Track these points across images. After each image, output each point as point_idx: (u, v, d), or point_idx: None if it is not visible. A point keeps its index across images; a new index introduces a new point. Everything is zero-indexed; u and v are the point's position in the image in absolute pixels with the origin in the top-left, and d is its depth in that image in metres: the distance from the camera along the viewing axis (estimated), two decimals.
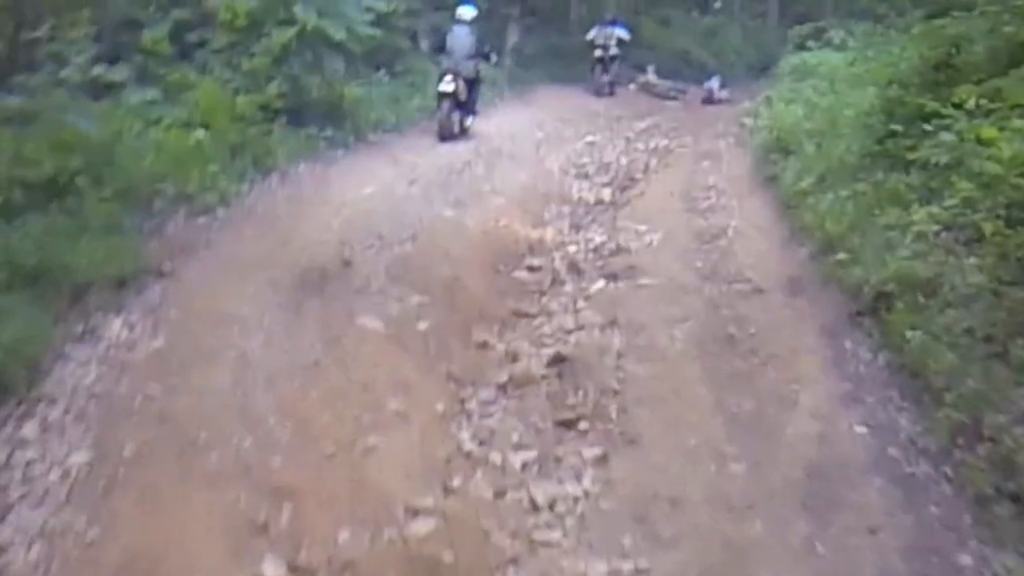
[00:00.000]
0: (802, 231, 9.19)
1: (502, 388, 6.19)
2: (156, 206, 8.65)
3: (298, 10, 12.67)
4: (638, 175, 13.36)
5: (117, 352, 6.08)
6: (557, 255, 9.26)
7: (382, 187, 10.90)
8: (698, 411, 5.86)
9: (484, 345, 6.88)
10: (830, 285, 7.70)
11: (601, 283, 8.39)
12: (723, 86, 23.34)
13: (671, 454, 5.34)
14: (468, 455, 5.30)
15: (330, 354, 6.25)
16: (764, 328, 7.10)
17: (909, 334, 6.09)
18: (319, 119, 12.66)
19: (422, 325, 6.94)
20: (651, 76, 24.37)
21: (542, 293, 8.16)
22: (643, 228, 10.13)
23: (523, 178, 12.30)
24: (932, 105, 7.80)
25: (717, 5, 34.99)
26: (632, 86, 23.69)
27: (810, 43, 16.80)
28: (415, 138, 14.32)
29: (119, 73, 11.43)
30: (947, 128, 7.71)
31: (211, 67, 12.30)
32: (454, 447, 5.37)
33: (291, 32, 12.47)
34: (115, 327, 6.39)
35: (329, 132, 12.61)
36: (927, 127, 8.15)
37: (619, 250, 9.38)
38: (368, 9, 13.95)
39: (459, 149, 13.64)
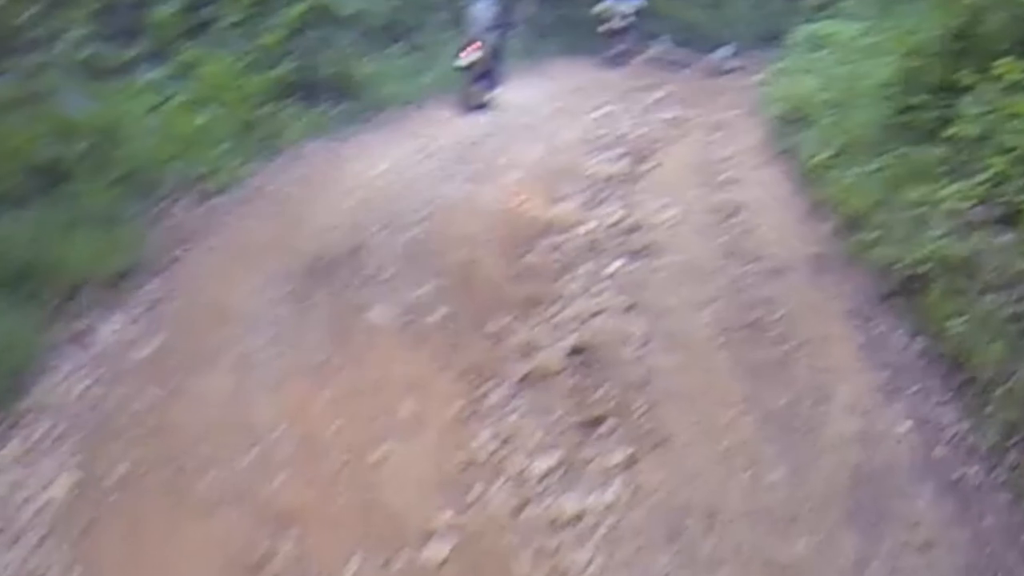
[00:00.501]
0: (823, 205, 8.58)
1: (521, 383, 5.65)
2: (161, 191, 8.12)
3: None
4: (654, 146, 12.65)
5: (111, 356, 5.55)
6: (575, 232, 8.68)
7: (397, 163, 10.33)
8: (730, 407, 5.29)
9: (501, 334, 6.33)
10: (857, 264, 7.09)
11: (620, 262, 7.82)
12: (734, 55, 22.57)
13: (704, 458, 4.79)
14: (485, 463, 4.76)
15: (340, 351, 5.72)
16: (792, 311, 6.50)
17: (949, 321, 5.53)
18: (333, 95, 12.07)
19: (437, 314, 6.41)
20: (664, 46, 23.58)
21: (560, 275, 7.60)
22: (661, 203, 9.52)
23: (540, 151, 11.67)
24: (965, 77, 7.24)
25: None
26: (644, 57, 22.90)
27: (822, 13, 16.15)
28: (432, 111, 13.65)
29: (128, 51, 10.89)
30: (977, 100, 7.18)
31: (223, 44, 11.60)
32: (471, 454, 4.83)
33: (303, 6, 11.87)
34: (110, 327, 5.87)
35: (343, 108, 12.01)
36: (951, 99, 7.66)
37: (637, 226, 8.78)
38: None
39: (477, 121, 13.03)
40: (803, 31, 15.63)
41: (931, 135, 7.76)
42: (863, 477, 4.58)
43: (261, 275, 6.71)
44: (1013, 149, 6.15)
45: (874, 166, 7.96)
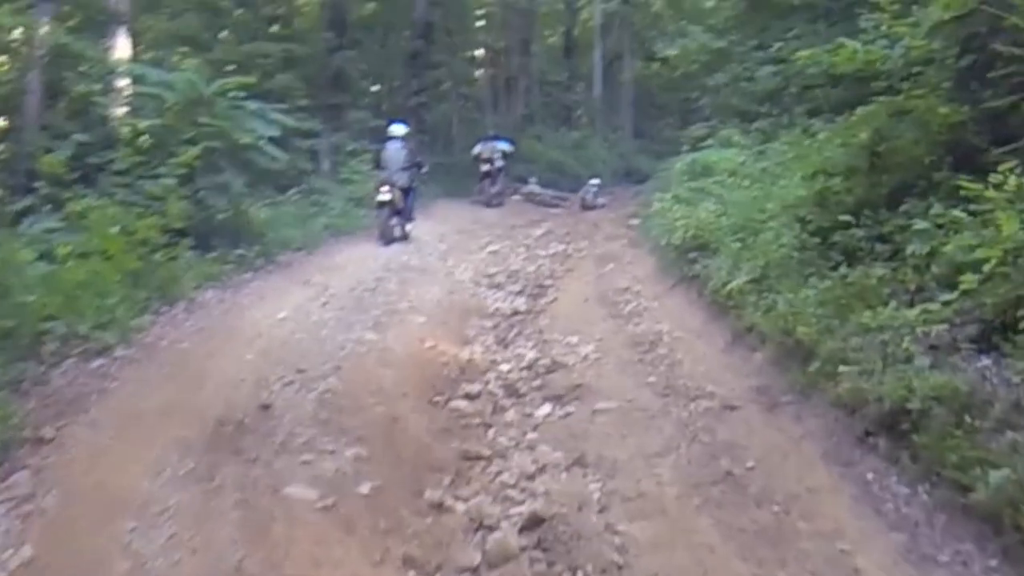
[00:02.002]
0: (748, 334, 7.40)
1: (475, 573, 4.25)
2: (43, 351, 6.50)
3: (203, 128, 10.72)
4: (547, 281, 11.62)
5: None
6: (491, 376, 7.42)
7: (296, 311, 8.87)
8: None
9: (441, 507, 4.92)
10: (812, 398, 5.84)
11: (547, 408, 6.57)
12: (599, 193, 21.84)
13: None
14: None
15: (256, 550, 4.16)
16: (762, 459, 5.22)
17: (973, 468, 4.25)
18: (226, 241, 10.61)
19: (363, 488, 4.97)
20: (534, 186, 22.79)
21: (487, 425, 6.28)
22: (573, 339, 8.34)
23: (437, 292, 10.40)
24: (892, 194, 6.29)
25: (579, 114, 33.89)
26: (517, 196, 22.04)
27: (684, 146, 15.46)
28: (322, 258, 12.22)
29: (20, 202, 9.35)
30: (918, 215, 6.31)
31: (112, 191, 9.97)
32: None
33: (196, 151, 10.42)
34: None
35: (237, 254, 10.52)
36: (876, 217, 6.84)
37: (555, 366, 7.55)
38: (272, 122, 12.01)
39: (370, 266, 11.65)
40: (682, 161, 14.76)
41: (861, 255, 6.79)
42: None
43: (156, 450, 5.13)
44: (983, 263, 5.09)
45: (808, 291, 6.81)
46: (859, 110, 7.64)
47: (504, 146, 21.03)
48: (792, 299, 6.85)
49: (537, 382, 7.24)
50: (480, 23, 30.21)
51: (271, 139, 12.05)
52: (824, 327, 6.21)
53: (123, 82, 11.85)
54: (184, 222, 9.63)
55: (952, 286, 5.46)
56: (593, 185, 21.98)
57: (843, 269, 6.75)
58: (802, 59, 8.88)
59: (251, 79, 12.79)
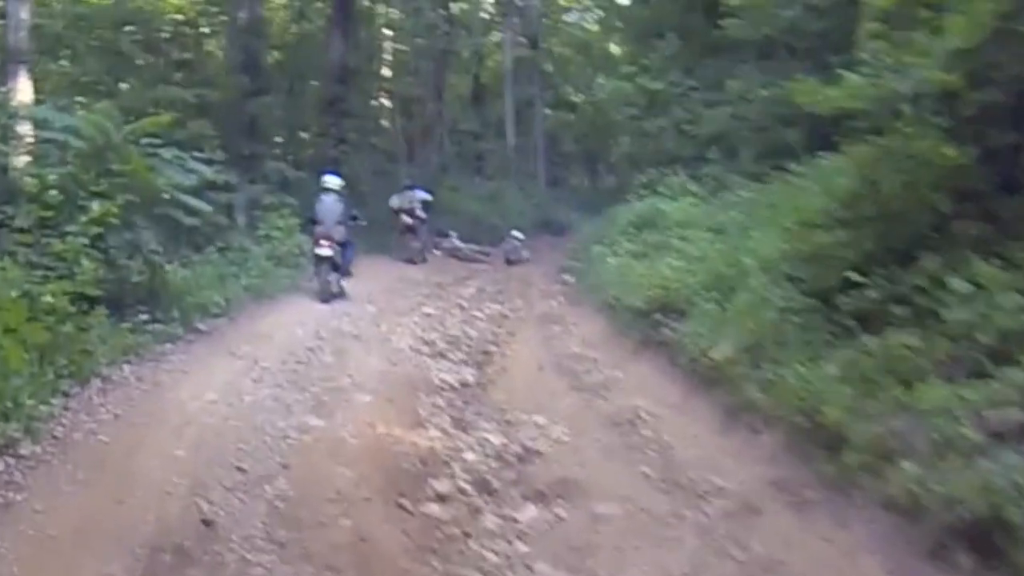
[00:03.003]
0: (746, 412, 6.55)
1: None
2: None
3: (115, 178, 9.60)
4: (491, 347, 10.78)
5: None
6: (457, 467, 6.48)
7: (226, 390, 7.80)
8: None
9: None
10: (852, 496, 4.99)
11: (532, 510, 5.68)
12: (522, 246, 21.13)
13: None
14: None
15: None
16: None
17: None
18: (142, 307, 9.42)
19: None
20: (455, 241, 21.92)
21: (466, 535, 5.34)
22: (539, 419, 7.49)
23: (377, 363, 9.43)
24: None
25: (491, 164, 33.21)
26: (438, 252, 21.14)
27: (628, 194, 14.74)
28: (247, 324, 11.09)
29: None
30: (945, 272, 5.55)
31: (15, 250, 8.70)
32: None
33: (110, 205, 9.23)
34: None
35: (155, 322, 9.32)
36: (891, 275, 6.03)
37: (528, 453, 6.71)
38: (191, 171, 10.92)
39: (300, 334, 10.59)
40: (626, 211, 13.97)
41: (875, 320, 5.99)
42: None
43: None
44: None
45: (824, 364, 5.99)
46: (845, 151, 6.98)
47: (423, 195, 20.10)
48: (804, 373, 6.03)
49: (511, 474, 6.36)
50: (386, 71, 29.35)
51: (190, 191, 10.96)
52: (852, 407, 5.40)
53: (24, 127, 10.62)
54: (96, 286, 8.47)
55: (1007, 359, 4.76)
56: (515, 238, 21.29)
57: (861, 337, 5.94)
58: (780, 95, 8.14)
59: (168, 117, 11.70)
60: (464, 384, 9.02)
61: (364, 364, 9.30)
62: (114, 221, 9.26)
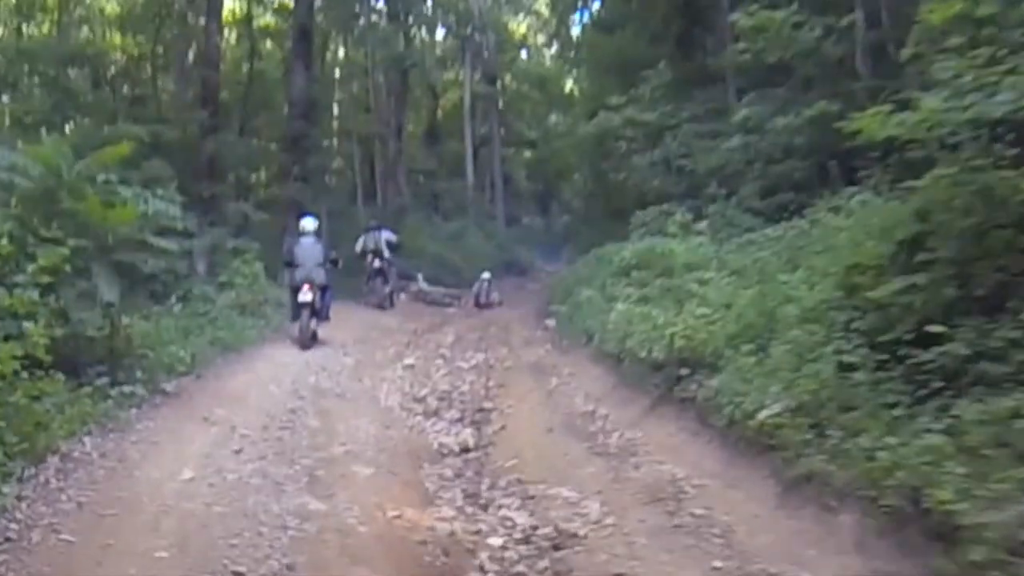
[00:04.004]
0: (808, 485, 5.62)
1: None
2: None
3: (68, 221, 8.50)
4: (486, 403, 9.91)
5: None
6: (484, 558, 5.50)
7: (204, 465, 6.71)
8: None
9: None
10: None
11: None
12: (492, 288, 20.22)
13: None
14: None
15: None
16: None
17: None
18: (101, 367, 8.27)
19: None
20: (422, 283, 20.94)
21: None
22: (567, 492, 6.55)
23: (368, 426, 8.43)
24: None
25: (449, 204, 32.32)
26: (404, 295, 20.10)
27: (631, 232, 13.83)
28: (216, 382, 9.92)
29: None
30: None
31: None
32: None
33: (58, 255, 8.06)
34: None
35: (117, 384, 8.14)
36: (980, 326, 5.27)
37: (562, 538, 5.71)
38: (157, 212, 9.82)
39: (277, 392, 9.53)
40: (615, 253, 13.01)
41: (962, 379, 5.21)
42: None
43: None
44: None
45: (916, 433, 5.08)
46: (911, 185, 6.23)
47: (389, 235, 19.08)
48: (891, 443, 5.13)
49: (545, 565, 5.38)
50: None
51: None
52: (966, 488, 4.48)
53: None
54: (49, 348, 7.32)
55: None
56: (485, 280, 20.38)
57: (951, 400, 5.11)
58: (795, 124, 7.44)
59: (127, 147, 10.55)
60: (466, 449, 8.12)
61: (354, 428, 8.29)
62: (67, 268, 8.13)
